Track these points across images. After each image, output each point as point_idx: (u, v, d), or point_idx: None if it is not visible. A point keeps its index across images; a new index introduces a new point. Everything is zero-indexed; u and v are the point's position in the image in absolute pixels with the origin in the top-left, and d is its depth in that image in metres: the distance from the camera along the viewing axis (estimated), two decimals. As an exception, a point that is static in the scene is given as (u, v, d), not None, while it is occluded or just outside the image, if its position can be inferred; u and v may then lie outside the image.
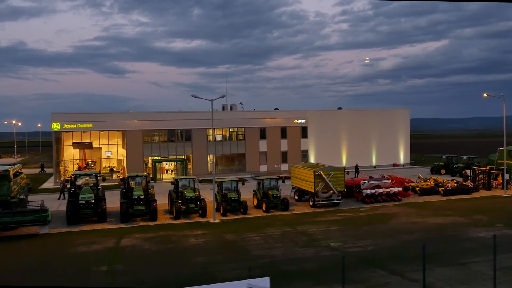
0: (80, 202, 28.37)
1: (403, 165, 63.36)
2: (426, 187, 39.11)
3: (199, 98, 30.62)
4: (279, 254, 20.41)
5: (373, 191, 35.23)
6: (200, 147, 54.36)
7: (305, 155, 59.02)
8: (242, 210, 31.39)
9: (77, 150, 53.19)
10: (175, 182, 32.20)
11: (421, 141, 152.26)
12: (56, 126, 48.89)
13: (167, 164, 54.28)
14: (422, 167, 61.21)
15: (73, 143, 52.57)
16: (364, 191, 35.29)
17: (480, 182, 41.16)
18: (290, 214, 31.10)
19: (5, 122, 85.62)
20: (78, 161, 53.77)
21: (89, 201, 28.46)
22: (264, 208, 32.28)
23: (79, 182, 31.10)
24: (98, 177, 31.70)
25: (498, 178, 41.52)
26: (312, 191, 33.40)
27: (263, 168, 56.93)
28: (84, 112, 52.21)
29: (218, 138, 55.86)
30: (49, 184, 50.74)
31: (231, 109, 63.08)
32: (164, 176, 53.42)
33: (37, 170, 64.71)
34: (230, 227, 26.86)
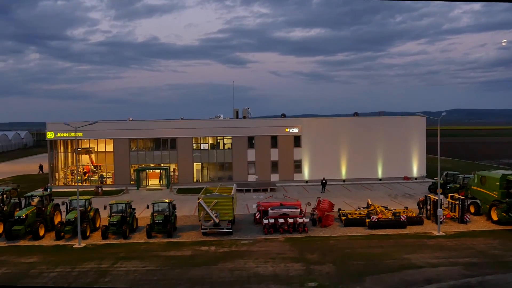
0: None
1: (416, 178, 56.60)
2: (353, 217, 34.90)
3: (68, 124, 31.53)
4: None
5: (272, 221, 32.66)
6: (185, 155, 55.22)
7: (298, 165, 56.24)
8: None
9: (86, 155, 58.08)
10: (66, 204, 33.66)
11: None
12: (50, 135, 53.92)
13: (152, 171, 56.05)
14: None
15: (75, 149, 57.40)
16: (264, 220, 32.91)
17: (430, 213, 35.39)
18: (157, 242, 30.50)
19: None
20: (86, 165, 58.67)
21: None
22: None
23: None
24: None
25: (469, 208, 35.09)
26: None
27: (251, 178, 55.72)
28: (75, 122, 56.32)
29: (204, 146, 56.00)
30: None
31: (241, 115, 62.99)
32: (151, 182, 55.42)
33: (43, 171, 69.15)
34: (65, 257, 27.44)
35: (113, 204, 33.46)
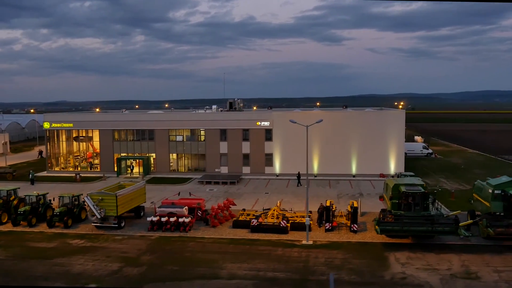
0: None
1: (392, 176, 53.35)
2: (245, 219, 34.94)
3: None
4: None
5: (155, 219, 34.22)
6: (162, 146, 58.13)
7: (269, 158, 56.26)
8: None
9: (88, 143, 63.96)
10: (-7, 193, 38.33)
11: None
12: (46, 125, 60.16)
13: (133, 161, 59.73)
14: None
15: (74, 137, 63.30)
16: (148, 217, 34.63)
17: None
18: (49, 232, 33.75)
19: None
20: (88, 151, 64.65)
21: None
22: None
23: None
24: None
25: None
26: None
27: (224, 170, 57.05)
28: (67, 113, 62.09)
29: (179, 138, 58.31)
30: (42, 173, 62.23)
31: (232, 105, 64.69)
32: (135, 171, 59.32)
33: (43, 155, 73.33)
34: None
35: (27, 195, 37.53)
